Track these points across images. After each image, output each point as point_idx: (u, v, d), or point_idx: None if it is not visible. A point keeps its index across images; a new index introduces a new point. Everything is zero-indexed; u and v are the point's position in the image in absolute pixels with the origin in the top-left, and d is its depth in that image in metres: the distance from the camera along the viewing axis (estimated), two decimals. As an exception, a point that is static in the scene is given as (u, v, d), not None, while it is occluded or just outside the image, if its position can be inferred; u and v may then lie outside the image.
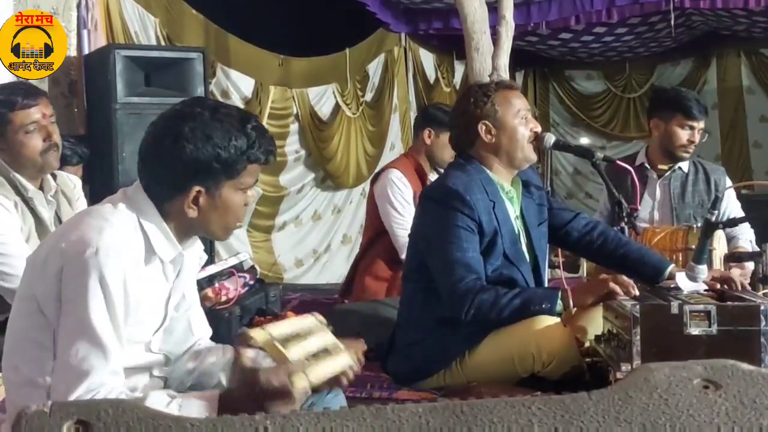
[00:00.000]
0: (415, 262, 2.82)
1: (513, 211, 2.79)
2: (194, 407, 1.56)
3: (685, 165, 3.64)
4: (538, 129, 2.81)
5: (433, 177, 3.95)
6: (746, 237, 3.59)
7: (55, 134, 2.75)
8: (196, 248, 1.88)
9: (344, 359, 1.76)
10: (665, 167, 3.66)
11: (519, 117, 2.77)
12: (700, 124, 3.61)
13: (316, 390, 1.73)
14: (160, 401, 1.55)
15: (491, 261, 2.67)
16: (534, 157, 2.83)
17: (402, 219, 3.90)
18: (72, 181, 3.01)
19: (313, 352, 1.70)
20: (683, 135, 3.59)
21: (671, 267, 2.83)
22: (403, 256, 3.83)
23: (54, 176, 2.86)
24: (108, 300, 1.59)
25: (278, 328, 1.70)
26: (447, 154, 3.75)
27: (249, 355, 1.67)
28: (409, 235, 2.97)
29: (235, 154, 1.71)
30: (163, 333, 1.81)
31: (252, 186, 1.80)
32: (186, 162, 1.68)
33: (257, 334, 1.65)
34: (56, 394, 1.56)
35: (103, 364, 1.57)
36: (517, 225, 2.79)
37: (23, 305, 1.67)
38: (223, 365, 1.88)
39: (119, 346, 1.61)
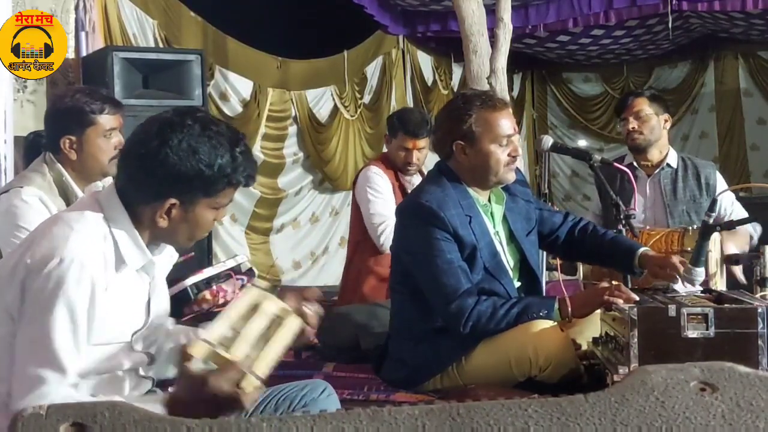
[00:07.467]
0: (400, 273, 2.81)
1: (491, 225, 2.76)
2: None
3: (673, 161, 3.64)
4: (518, 153, 2.71)
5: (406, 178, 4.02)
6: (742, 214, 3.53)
7: (121, 145, 2.83)
8: (166, 251, 1.86)
9: (293, 323, 1.70)
10: (654, 165, 3.65)
11: (497, 141, 2.66)
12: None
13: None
14: None
15: (472, 275, 2.65)
16: (511, 178, 2.73)
17: (378, 204, 3.91)
18: None
19: (261, 333, 1.63)
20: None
21: (642, 249, 2.83)
22: (381, 246, 3.86)
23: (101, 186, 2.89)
24: (71, 312, 1.57)
25: (217, 329, 1.61)
26: (398, 158, 3.95)
27: (195, 366, 1.58)
28: (391, 248, 2.96)
29: (218, 175, 1.69)
30: (146, 331, 1.79)
31: (225, 206, 1.79)
32: (167, 172, 1.66)
33: (197, 349, 1.56)
34: (12, 400, 1.54)
35: (58, 379, 1.54)
36: (497, 239, 2.76)
37: None
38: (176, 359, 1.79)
39: (78, 360, 1.58)
